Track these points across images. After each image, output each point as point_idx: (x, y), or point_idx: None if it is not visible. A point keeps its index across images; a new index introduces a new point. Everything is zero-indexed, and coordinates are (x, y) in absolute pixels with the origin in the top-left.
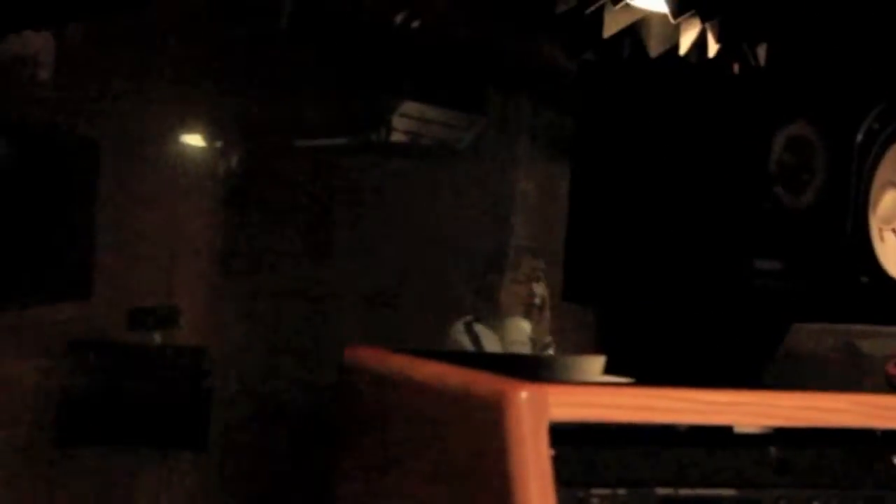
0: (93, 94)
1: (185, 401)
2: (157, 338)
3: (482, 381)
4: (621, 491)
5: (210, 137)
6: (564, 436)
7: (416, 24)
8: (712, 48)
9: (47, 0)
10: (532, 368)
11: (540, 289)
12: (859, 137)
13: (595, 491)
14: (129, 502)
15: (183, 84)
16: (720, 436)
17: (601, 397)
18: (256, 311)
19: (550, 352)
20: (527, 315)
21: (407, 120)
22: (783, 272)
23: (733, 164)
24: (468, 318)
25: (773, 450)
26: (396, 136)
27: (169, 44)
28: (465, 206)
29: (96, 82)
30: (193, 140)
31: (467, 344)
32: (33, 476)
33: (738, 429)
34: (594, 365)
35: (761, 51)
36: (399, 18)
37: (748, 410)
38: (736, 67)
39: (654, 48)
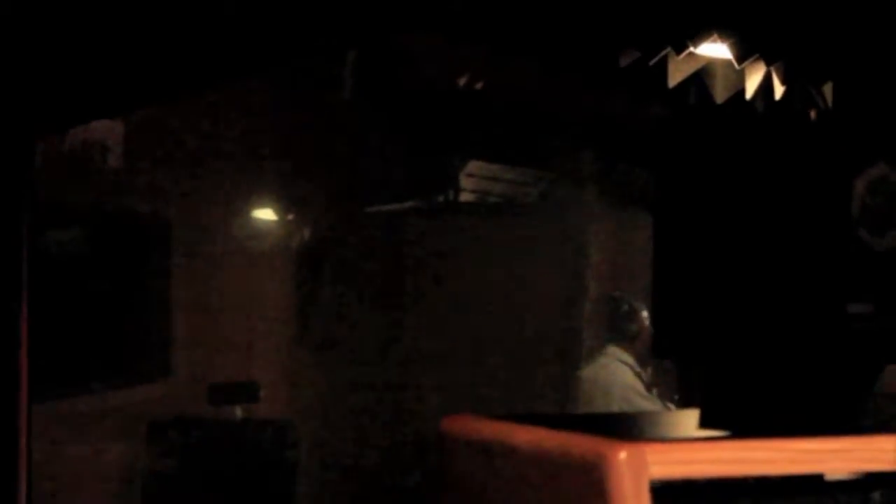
0: (162, 176)
1: (269, 474)
2: (238, 412)
3: (580, 443)
4: None
5: (280, 211)
6: (665, 494)
7: (479, 85)
8: (778, 91)
9: (113, 90)
10: (628, 427)
11: (646, 327)
12: None
13: None
14: None
15: (250, 160)
16: (821, 485)
17: (700, 453)
18: (335, 380)
19: (654, 392)
20: (636, 354)
21: (474, 179)
22: (875, 314)
23: (817, 210)
24: (611, 352)
25: (876, 495)
26: (465, 196)
27: (234, 122)
28: (538, 260)
29: (165, 164)
30: (264, 215)
31: (625, 374)
32: None
33: (829, 476)
34: (689, 419)
35: (827, 91)
36: (462, 81)
37: (849, 456)
38: (813, 113)
39: (720, 94)
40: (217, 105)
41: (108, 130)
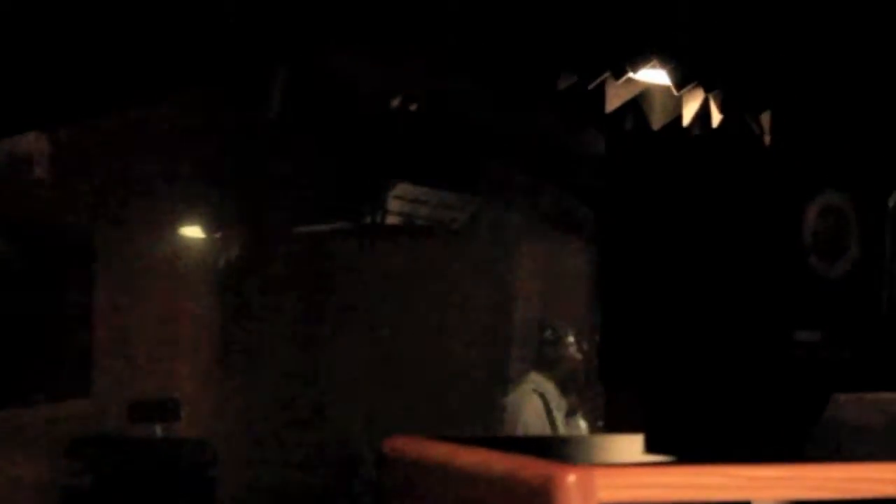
0: (87, 191)
1: (189, 493)
2: (159, 431)
3: (528, 466)
4: None
5: (206, 230)
6: None
7: (413, 107)
8: (716, 119)
9: (39, 104)
10: (574, 450)
11: (570, 353)
12: (892, 204)
13: None
14: None
15: (176, 178)
16: None
17: (648, 477)
18: (257, 400)
19: (578, 416)
20: (558, 380)
21: (402, 202)
22: (823, 342)
23: (768, 237)
24: (532, 379)
25: None
26: (392, 218)
27: (160, 138)
28: (466, 284)
29: (90, 179)
30: (189, 232)
31: (537, 405)
32: None
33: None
34: (634, 444)
35: (765, 120)
36: (396, 103)
37: (797, 484)
38: (767, 139)
39: (657, 121)
40: (144, 122)
41: (33, 145)
